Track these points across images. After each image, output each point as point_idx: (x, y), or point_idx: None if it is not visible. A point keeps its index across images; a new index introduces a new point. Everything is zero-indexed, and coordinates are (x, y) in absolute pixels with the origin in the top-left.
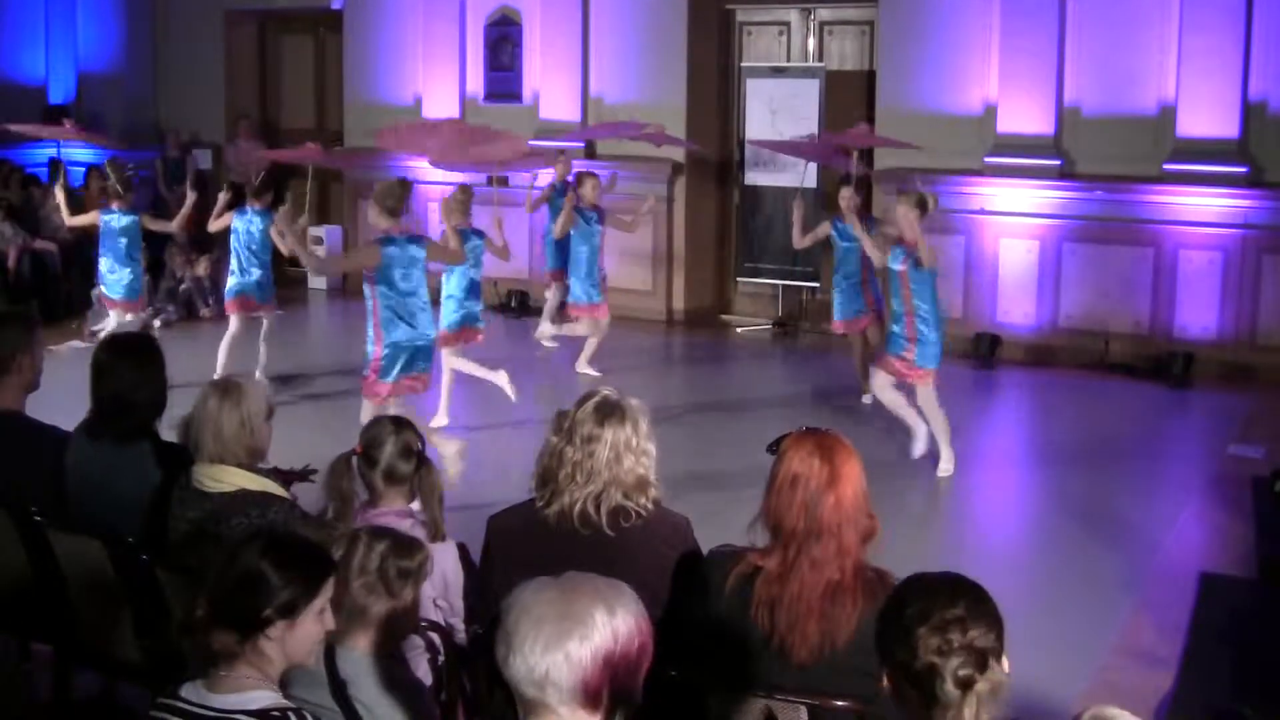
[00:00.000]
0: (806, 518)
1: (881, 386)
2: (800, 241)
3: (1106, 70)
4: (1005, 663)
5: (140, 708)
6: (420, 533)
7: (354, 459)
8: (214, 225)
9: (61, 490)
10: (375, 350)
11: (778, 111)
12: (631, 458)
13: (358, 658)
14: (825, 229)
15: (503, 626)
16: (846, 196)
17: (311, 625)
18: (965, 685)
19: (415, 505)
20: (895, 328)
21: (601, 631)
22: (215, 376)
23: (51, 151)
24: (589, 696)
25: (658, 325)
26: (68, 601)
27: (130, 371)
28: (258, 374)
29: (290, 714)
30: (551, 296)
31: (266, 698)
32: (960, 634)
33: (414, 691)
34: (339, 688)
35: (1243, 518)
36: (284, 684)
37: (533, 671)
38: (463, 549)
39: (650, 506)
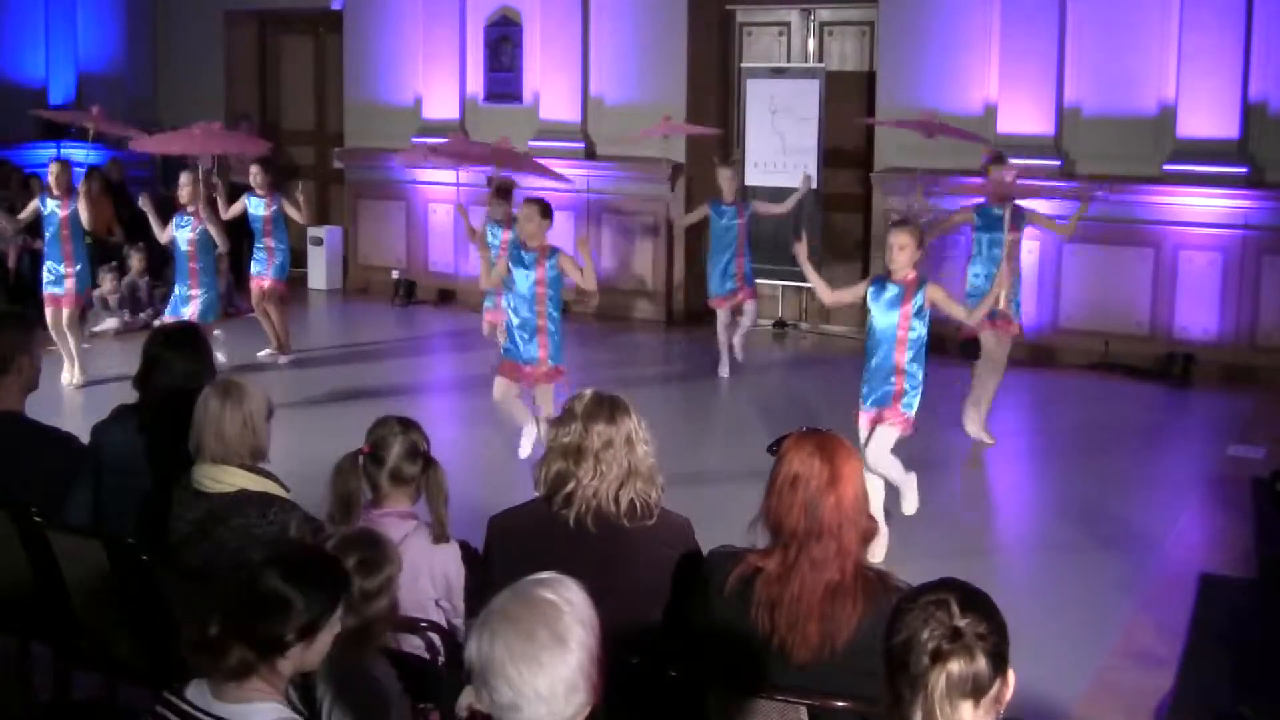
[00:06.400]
0: (807, 518)
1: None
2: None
3: (1106, 71)
4: (1010, 675)
5: (140, 708)
6: (424, 534)
7: (360, 458)
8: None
9: (98, 490)
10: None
11: (778, 112)
12: (643, 446)
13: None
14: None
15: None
16: (726, 177)
17: (325, 638)
18: (935, 657)
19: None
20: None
21: (576, 643)
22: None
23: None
24: (590, 688)
25: (658, 325)
26: (68, 601)
27: (185, 362)
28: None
29: None
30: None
31: (273, 710)
32: (945, 614)
33: (377, 695)
34: (306, 689)
35: (1243, 518)
36: None
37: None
38: (464, 545)
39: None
